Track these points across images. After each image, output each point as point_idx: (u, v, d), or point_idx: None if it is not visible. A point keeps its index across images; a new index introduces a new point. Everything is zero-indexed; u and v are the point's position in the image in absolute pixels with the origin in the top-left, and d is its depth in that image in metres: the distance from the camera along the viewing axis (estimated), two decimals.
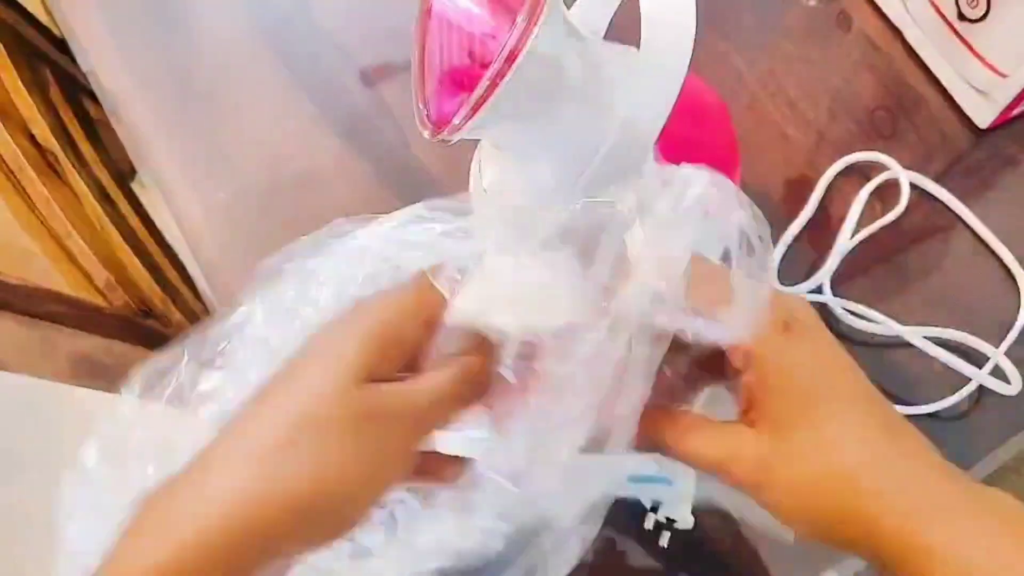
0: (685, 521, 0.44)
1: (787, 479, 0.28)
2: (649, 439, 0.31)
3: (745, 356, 0.29)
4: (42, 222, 0.67)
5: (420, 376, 0.29)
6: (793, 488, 0.28)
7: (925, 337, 0.50)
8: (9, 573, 1.36)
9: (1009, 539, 0.25)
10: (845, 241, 0.54)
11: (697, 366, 0.33)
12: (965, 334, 0.51)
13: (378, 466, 0.26)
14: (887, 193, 0.57)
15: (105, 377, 0.71)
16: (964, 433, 0.51)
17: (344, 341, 0.27)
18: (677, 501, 0.43)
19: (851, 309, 0.52)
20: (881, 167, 0.57)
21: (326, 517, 0.26)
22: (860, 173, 0.58)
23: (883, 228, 0.55)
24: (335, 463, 0.25)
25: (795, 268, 0.55)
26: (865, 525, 0.26)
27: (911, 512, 0.26)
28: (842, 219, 0.55)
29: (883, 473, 0.27)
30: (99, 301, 0.68)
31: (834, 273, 0.53)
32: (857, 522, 0.26)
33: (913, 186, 0.57)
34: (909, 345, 0.51)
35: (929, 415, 0.50)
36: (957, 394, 0.50)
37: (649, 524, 0.45)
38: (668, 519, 0.45)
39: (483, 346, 0.30)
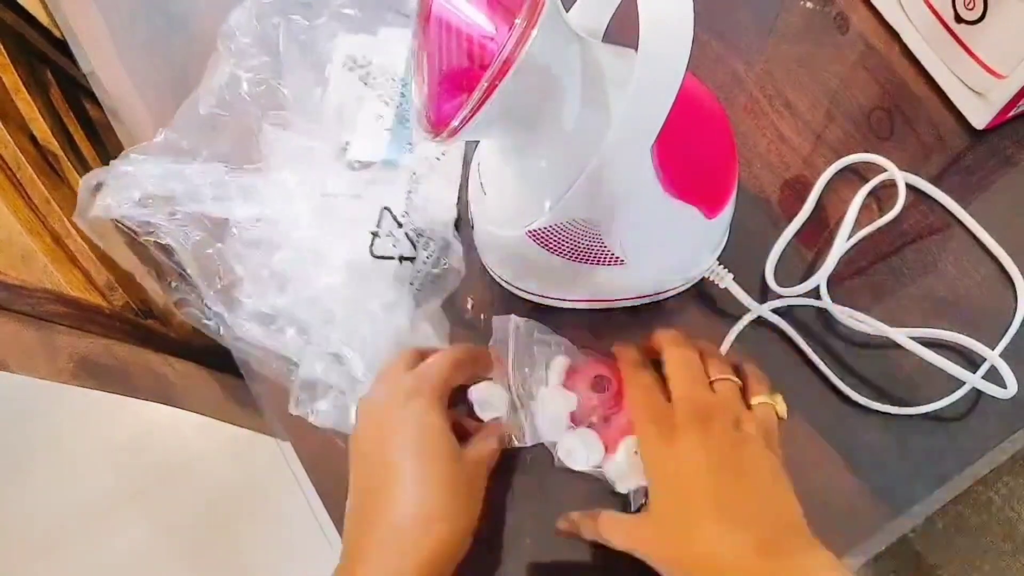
0: None
1: (668, 558, 0.39)
2: (587, 532, 0.45)
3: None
4: (42, 222, 0.67)
5: (477, 443, 0.45)
6: (671, 563, 0.39)
7: (917, 338, 0.50)
8: (9, 572, 1.36)
9: None
10: (842, 242, 0.54)
11: None
12: (960, 335, 0.51)
13: (479, 498, 0.43)
14: (884, 194, 0.57)
15: (105, 377, 0.71)
16: (961, 434, 0.51)
17: (436, 434, 0.42)
18: None
19: (845, 311, 0.52)
20: (878, 168, 0.57)
21: (467, 536, 0.41)
22: (857, 174, 0.58)
23: (880, 229, 0.56)
24: (465, 506, 0.42)
25: (792, 269, 0.55)
26: None
27: None
28: (839, 220, 0.55)
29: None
30: (99, 301, 0.68)
31: (831, 274, 0.53)
32: None
33: (910, 187, 0.57)
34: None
35: (925, 416, 0.50)
36: (953, 395, 0.50)
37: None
38: None
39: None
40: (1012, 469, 0.72)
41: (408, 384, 0.43)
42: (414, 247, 0.54)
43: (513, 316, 0.50)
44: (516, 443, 0.49)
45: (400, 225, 0.54)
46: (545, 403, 0.49)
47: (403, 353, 0.47)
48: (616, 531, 0.42)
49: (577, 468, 0.48)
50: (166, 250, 0.52)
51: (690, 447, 0.40)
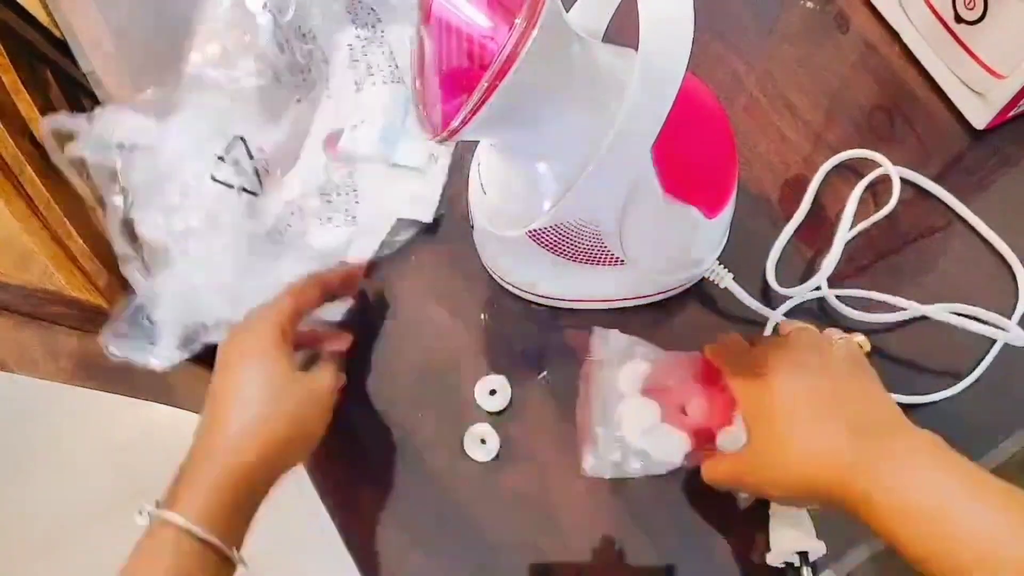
0: (817, 551, 0.46)
1: (768, 481, 0.41)
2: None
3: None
4: (42, 222, 0.67)
5: (322, 367, 0.49)
6: (778, 482, 0.40)
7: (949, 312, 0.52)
8: (9, 572, 1.36)
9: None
10: (842, 239, 0.54)
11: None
12: (979, 308, 0.52)
13: (318, 414, 0.47)
14: (881, 190, 0.57)
15: (105, 377, 0.71)
16: (962, 434, 0.50)
17: (271, 351, 0.46)
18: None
19: (859, 296, 0.53)
20: (874, 164, 0.57)
21: (297, 445, 0.46)
22: (854, 172, 0.58)
23: (879, 226, 0.56)
24: (295, 416, 0.45)
25: (792, 268, 0.55)
26: (831, 496, 0.38)
27: (865, 487, 0.36)
28: (837, 217, 0.55)
29: (840, 465, 0.38)
30: (100, 302, 0.68)
31: (831, 273, 0.53)
32: (827, 496, 0.38)
33: (910, 184, 0.57)
34: (900, 334, 0.52)
35: (926, 415, 0.50)
36: (952, 389, 0.50)
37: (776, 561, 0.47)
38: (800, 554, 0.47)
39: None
40: (1012, 469, 0.72)
41: (256, 312, 0.47)
42: (260, 182, 0.55)
43: (614, 332, 0.50)
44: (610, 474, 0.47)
45: (251, 157, 0.55)
46: (630, 415, 0.48)
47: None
48: (716, 469, 0.44)
49: (678, 462, 0.47)
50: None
51: (777, 370, 0.42)
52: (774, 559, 0.47)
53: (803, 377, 0.41)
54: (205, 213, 0.53)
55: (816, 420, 0.39)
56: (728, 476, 0.44)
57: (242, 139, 0.55)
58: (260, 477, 0.44)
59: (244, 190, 0.54)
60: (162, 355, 0.52)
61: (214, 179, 0.53)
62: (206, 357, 0.79)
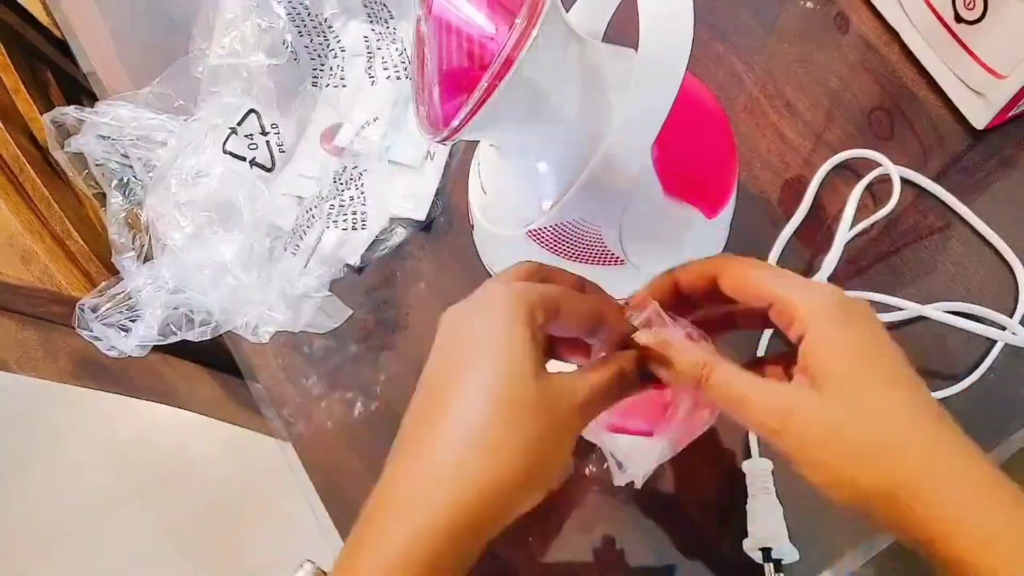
0: (791, 555, 0.46)
1: (840, 442, 0.30)
2: (712, 398, 0.34)
3: (800, 328, 0.33)
4: (42, 222, 0.67)
5: (583, 371, 0.34)
6: (843, 452, 0.30)
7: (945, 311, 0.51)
8: (9, 572, 1.36)
9: None
10: (842, 239, 0.54)
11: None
12: (977, 306, 0.52)
13: (556, 444, 0.32)
14: (881, 190, 0.57)
15: (105, 377, 0.71)
16: (968, 426, 0.51)
17: (512, 340, 0.32)
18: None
19: (859, 296, 0.52)
20: (874, 164, 0.57)
21: (529, 489, 0.31)
22: (854, 172, 0.58)
23: (879, 226, 0.56)
24: (524, 446, 0.30)
25: (792, 268, 0.55)
26: (904, 502, 0.29)
27: (949, 498, 0.29)
28: (837, 217, 0.55)
29: (927, 454, 0.31)
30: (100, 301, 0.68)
31: (832, 271, 0.53)
32: (896, 497, 0.29)
33: (909, 184, 0.57)
34: (900, 334, 0.51)
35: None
36: (955, 386, 0.51)
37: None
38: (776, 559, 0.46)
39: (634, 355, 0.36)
40: (1012, 469, 0.72)
41: (503, 292, 0.34)
42: (272, 159, 0.54)
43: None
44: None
45: (265, 133, 0.54)
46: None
47: (523, 264, 0.37)
48: (759, 394, 0.33)
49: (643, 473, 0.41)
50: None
51: (867, 322, 0.33)
52: (749, 547, 0.47)
53: (879, 329, 0.33)
54: (213, 193, 0.51)
55: (902, 386, 0.32)
56: (779, 409, 0.32)
57: (255, 112, 0.53)
58: (471, 537, 0.30)
59: (255, 163, 0.53)
60: (133, 340, 0.49)
61: (225, 151, 0.52)
62: (208, 358, 0.79)
